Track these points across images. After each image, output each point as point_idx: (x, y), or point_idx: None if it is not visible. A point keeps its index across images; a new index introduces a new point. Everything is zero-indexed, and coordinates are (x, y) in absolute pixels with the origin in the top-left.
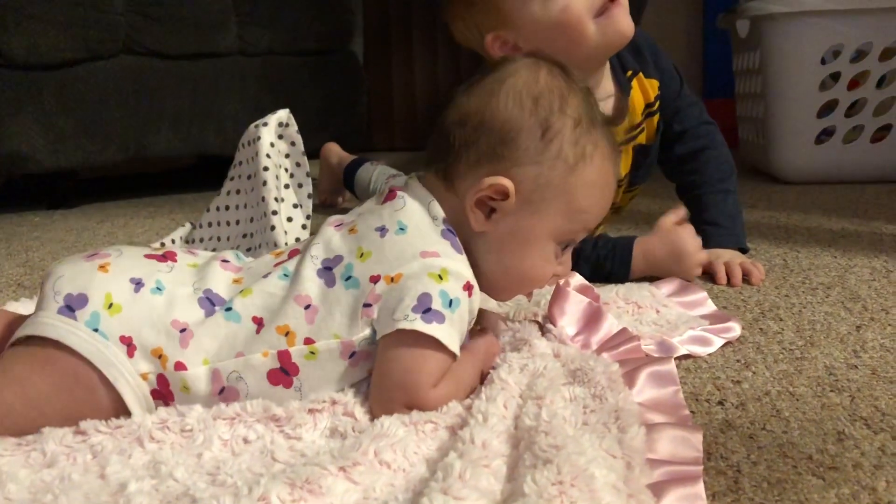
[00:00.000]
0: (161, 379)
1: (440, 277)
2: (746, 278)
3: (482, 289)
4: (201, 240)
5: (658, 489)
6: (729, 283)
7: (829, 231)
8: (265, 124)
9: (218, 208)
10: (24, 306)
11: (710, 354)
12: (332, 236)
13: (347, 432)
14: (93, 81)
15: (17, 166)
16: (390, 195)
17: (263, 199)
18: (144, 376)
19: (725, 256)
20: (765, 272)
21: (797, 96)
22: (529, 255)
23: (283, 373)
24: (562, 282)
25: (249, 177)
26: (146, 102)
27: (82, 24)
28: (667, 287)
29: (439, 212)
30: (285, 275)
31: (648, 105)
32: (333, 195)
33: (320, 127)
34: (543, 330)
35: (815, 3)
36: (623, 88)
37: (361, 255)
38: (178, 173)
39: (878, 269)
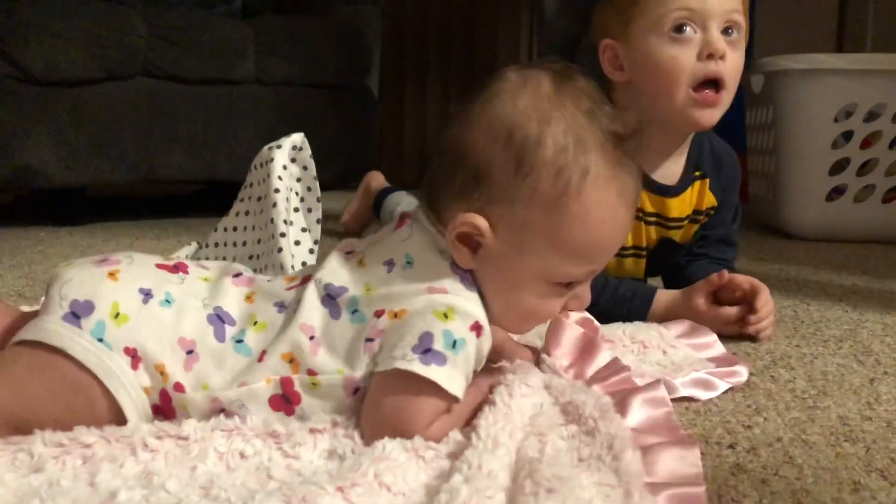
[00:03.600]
0: (163, 394)
1: (445, 316)
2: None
3: (494, 322)
4: (206, 259)
5: None
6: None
7: (840, 286)
8: (279, 147)
9: (226, 229)
10: None
11: (719, 399)
12: (341, 267)
13: (346, 454)
14: (108, 101)
15: (27, 180)
16: (400, 222)
17: (272, 220)
18: (147, 391)
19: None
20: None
21: (809, 153)
22: (523, 296)
23: (286, 400)
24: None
25: (259, 198)
26: (160, 124)
27: (103, 44)
28: (676, 328)
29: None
30: (299, 305)
31: (697, 211)
32: (358, 220)
33: (331, 159)
34: (539, 361)
35: (829, 62)
36: (684, 181)
37: (368, 289)
38: (187, 198)
39: (889, 325)
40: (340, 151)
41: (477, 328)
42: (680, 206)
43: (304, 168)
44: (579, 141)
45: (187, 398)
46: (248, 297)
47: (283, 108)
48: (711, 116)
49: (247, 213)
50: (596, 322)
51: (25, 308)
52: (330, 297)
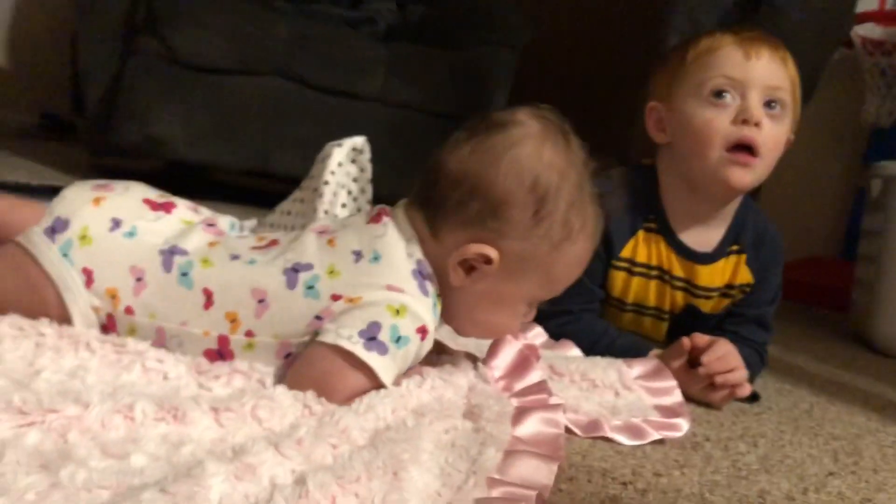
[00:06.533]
0: (110, 318)
1: (397, 312)
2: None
3: (453, 325)
4: None
5: None
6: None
7: (887, 402)
8: (339, 145)
9: (282, 212)
10: None
11: (652, 446)
12: (311, 243)
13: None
14: (240, 91)
15: (153, 149)
16: (377, 217)
17: (315, 210)
18: (96, 310)
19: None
20: (762, 408)
21: None
22: (501, 314)
23: (219, 355)
24: None
25: (315, 189)
26: (282, 122)
27: (246, 41)
28: (639, 368)
29: (416, 251)
30: (251, 261)
31: (730, 286)
32: None
33: None
34: (476, 366)
35: None
36: (718, 251)
37: (331, 272)
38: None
39: None
40: None
41: (422, 331)
42: (710, 276)
43: (362, 170)
44: (582, 197)
45: (136, 321)
46: (211, 244)
47: (397, 129)
48: (743, 177)
49: (301, 200)
50: (540, 350)
51: None
52: (293, 271)
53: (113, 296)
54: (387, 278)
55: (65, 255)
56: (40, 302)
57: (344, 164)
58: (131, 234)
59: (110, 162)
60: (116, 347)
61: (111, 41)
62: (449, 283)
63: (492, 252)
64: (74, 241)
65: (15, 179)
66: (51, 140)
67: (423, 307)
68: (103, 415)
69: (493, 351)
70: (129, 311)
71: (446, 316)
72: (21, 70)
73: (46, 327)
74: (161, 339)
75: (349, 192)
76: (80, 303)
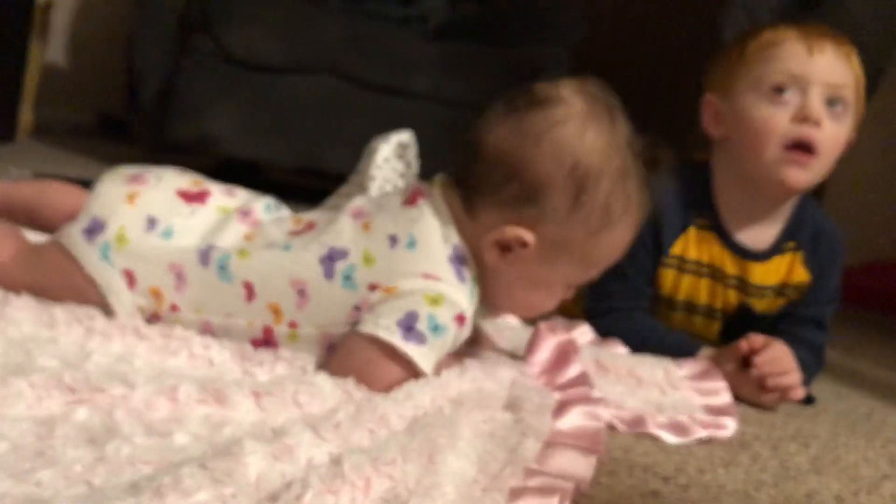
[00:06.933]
0: (155, 316)
1: (434, 301)
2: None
3: (490, 302)
4: None
5: (516, 494)
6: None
7: None
8: (386, 140)
9: (329, 207)
10: None
11: (696, 445)
12: (346, 227)
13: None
14: (291, 89)
15: (206, 146)
16: (412, 199)
17: None
18: (142, 309)
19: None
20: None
21: None
22: (538, 294)
23: (265, 344)
24: (543, 326)
25: (361, 184)
26: (333, 120)
27: (299, 40)
28: (689, 368)
29: (452, 235)
30: (287, 247)
31: (785, 284)
32: None
33: None
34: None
35: None
36: (772, 249)
37: (367, 259)
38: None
39: None
40: None
41: (460, 319)
42: (764, 274)
43: (408, 166)
44: (625, 181)
45: (183, 317)
46: (248, 237)
47: (449, 126)
48: (799, 177)
49: (348, 195)
50: (578, 344)
51: None
52: (329, 259)
53: (157, 294)
54: (423, 266)
55: (105, 257)
56: (84, 302)
57: (390, 160)
58: (167, 234)
59: (164, 158)
60: (164, 334)
61: (166, 40)
62: (485, 262)
63: (528, 235)
64: (112, 243)
65: (66, 175)
66: (107, 138)
67: (461, 294)
68: (148, 395)
69: (531, 347)
70: (174, 308)
71: (484, 295)
72: (79, 70)
73: (98, 314)
74: (208, 331)
75: (395, 188)
76: (125, 303)
